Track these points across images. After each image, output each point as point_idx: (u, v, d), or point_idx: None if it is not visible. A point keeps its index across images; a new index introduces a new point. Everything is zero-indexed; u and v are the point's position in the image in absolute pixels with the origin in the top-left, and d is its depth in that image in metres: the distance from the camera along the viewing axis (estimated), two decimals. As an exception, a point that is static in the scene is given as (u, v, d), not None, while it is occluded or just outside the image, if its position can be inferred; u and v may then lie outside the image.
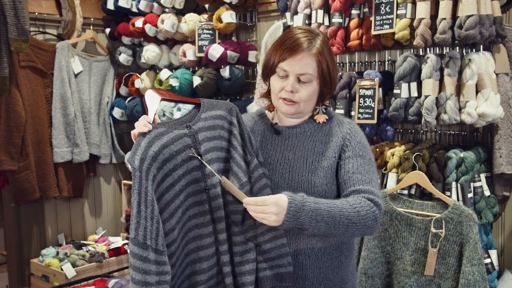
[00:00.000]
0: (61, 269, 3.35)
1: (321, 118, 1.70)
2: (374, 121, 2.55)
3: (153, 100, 1.53)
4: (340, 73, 2.71)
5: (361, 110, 2.57)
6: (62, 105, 3.65)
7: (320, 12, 2.70)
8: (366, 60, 2.88)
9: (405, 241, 2.32)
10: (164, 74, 3.60)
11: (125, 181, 4.09)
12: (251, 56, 3.28)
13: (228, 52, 3.21)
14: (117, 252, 3.67)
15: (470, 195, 2.33)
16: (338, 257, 1.67)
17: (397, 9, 2.43)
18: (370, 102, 2.55)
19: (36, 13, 3.65)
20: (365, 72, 2.63)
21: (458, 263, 2.21)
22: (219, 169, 1.56)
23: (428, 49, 2.57)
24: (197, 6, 3.59)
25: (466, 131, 2.61)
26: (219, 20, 3.23)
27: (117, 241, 3.79)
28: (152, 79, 3.79)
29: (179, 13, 3.53)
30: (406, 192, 2.44)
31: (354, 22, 2.65)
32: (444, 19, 2.28)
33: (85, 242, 3.80)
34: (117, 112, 3.92)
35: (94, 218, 4.10)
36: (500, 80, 2.41)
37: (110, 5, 3.86)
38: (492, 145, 2.46)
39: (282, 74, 1.60)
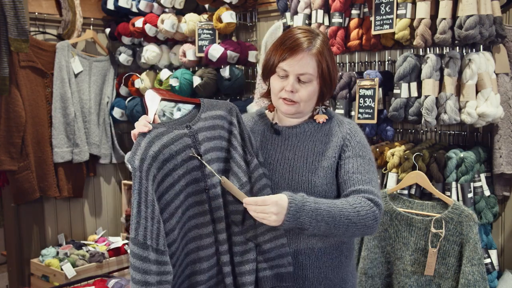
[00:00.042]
0: (61, 269, 3.35)
1: (321, 118, 1.70)
2: (374, 121, 2.55)
3: (153, 100, 1.53)
4: (340, 73, 2.71)
5: (361, 110, 2.57)
6: (62, 105, 3.65)
7: (320, 12, 2.70)
8: (366, 60, 2.88)
9: (405, 241, 2.32)
10: (164, 74, 3.60)
11: (125, 181, 4.09)
12: (251, 56, 3.28)
13: (228, 52, 3.21)
14: (117, 252, 3.67)
15: (470, 195, 2.33)
16: (338, 257, 1.67)
17: (397, 9, 2.43)
18: (370, 102, 2.55)
19: (36, 13, 3.65)
20: (365, 72, 2.63)
21: (458, 263, 2.21)
22: (219, 169, 1.56)
23: (428, 49, 2.57)
24: (197, 6, 3.59)
25: (466, 131, 2.61)
26: (219, 20, 3.23)
27: (117, 241, 3.79)
28: (152, 79, 3.79)
29: (179, 13, 3.53)
30: (406, 192, 2.44)
31: (354, 22, 2.65)
32: (444, 19, 2.28)
33: (85, 242, 3.80)
34: (117, 112, 3.92)
35: (94, 218, 4.10)
36: (500, 80, 2.41)
37: (110, 5, 3.86)
38: (492, 145, 2.46)
39: (282, 74, 1.60)
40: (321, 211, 1.45)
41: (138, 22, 3.65)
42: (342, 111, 2.65)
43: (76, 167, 3.80)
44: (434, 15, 2.34)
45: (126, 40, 3.89)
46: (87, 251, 3.57)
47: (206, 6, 3.52)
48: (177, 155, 1.46)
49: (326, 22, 2.71)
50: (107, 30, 4.01)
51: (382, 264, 2.39)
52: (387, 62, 2.81)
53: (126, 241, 3.78)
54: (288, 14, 2.91)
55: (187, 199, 1.49)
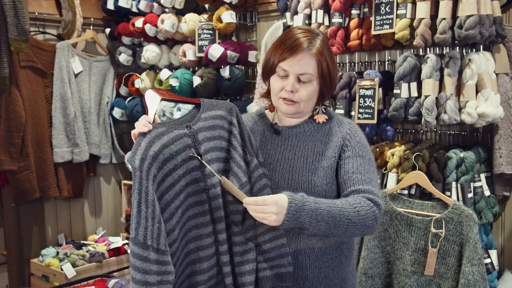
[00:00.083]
0: (61, 269, 3.35)
1: (321, 118, 1.70)
2: (374, 121, 2.55)
3: (153, 100, 1.53)
4: (340, 73, 2.71)
5: (361, 110, 2.57)
6: (62, 105, 3.65)
7: (320, 12, 2.70)
8: (366, 60, 2.88)
9: (405, 241, 2.32)
10: (164, 74, 3.60)
11: (125, 181, 4.09)
12: (251, 56, 3.28)
13: (228, 52, 3.21)
14: (117, 252, 3.67)
15: (470, 195, 2.33)
16: (338, 257, 1.67)
17: (397, 9, 2.43)
18: (370, 102, 2.55)
19: (36, 13, 3.65)
20: (365, 72, 2.63)
21: (458, 263, 2.21)
22: (219, 169, 1.56)
23: (428, 49, 2.57)
24: (197, 6, 3.59)
25: (466, 131, 2.61)
26: (219, 20, 3.23)
27: (117, 241, 3.79)
28: (152, 79, 3.79)
29: (179, 13, 3.53)
30: (406, 192, 2.44)
31: (354, 22, 2.65)
32: (444, 19, 2.28)
33: (85, 242, 3.80)
34: (117, 112, 3.92)
35: (94, 218, 4.10)
36: (500, 80, 2.41)
37: (110, 5, 3.86)
38: (492, 145, 2.46)
39: (282, 74, 1.60)
40: (321, 211, 1.45)
41: (138, 22, 3.65)
42: (342, 111, 2.65)
43: (76, 167, 3.80)
44: (434, 15, 2.34)
45: (126, 40, 3.89)
46: (87, 251, 3.57)
47: (206, 6, 3.52)
48: (177, 155, 1.46)
49: (326, 22, 2.71)
50: (107, 30, 4.01)
51: (382, 264, 2.39)
52: (387, 62, 2.81)
53: (126, 241, 3.78)
54: (288, 14, 2.91)
55: (187, 199, 1.49)
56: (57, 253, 3.55)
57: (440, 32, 2.29)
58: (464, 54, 2.41)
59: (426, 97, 2.35)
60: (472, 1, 2.20)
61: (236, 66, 3.36)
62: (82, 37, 3.85)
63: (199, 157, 1.50)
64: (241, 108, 3.07)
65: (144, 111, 1.53)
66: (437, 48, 2.58)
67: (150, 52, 3.69)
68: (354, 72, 2.74)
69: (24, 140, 3.46)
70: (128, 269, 3.58)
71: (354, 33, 2.65)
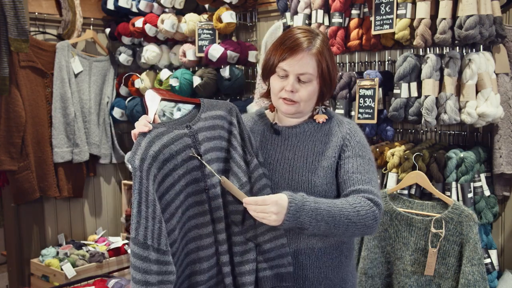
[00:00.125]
0: (61, 269, 3.35)
1: (320, 118, 1.70)
2: (374, 121, 2.55)
3: (153, 100, 1.53)
4: (340, 73, 2.71)
5: (361, 110, 2.57)
6: (62, 105, 3.65)
7: (320, 12, 2.70)
8: (366, 60, 2.88)
9: (405, 241, 2.32)
10: (164, 74, 3.60)
11: (125, 181, 4.09)
12: (251, 56, 3.28)
13: (228, 52, 3.21)
14: (117, 252, 3.67)
15: (470, 195, 2.33)
16: (338, 257, 1.67)
17: (397, 9, 2.43)
18: (370, 102, 2.55)
19: (36, 13, 3.65)
20: (365, 72, 2.63)
21: (458, 263, 2.21)
22: (219, 169, 1.56)
23: (428, 49, 2.57)
24: (197, 6, 3.59)
25: (466, 131, 2.61)
26: (219, 20, 3.23)
27: (117, 241, 3.79)
28: (152, 79, 3.79)
29: (179, 13, 3.53)
30: (406, 192, 2.44)
31: (354, 22, 2.65)
32: (444, 19, 2.28)
33: (85, 242, 3.80)
34: (117, 112, 3.92)
35: (94, 218, 4.10)
36: (500, 80, 2.41)
37: (110, 5, 3.86)
38: (492, 145, 2.46)
39: (282, 74, 1.60)
40: (321, 211, 1.45)
41: (138, 22, 3.65)
42: (342, 111, 2.65)
43: (76, 167, 3.81)
44: (434, 15, 2.34)
45: (126, 40, 3.89)
46: (87, 251, 3.57)
47: (206, 6, 3.52)
48: (177, 155, 1.46)
49: (326, 22, 2.71)
50: (107, 30, 4.01)
51: (382, 264, 2.39)
52: (387, 62, 2.81)
53: (126, 241, 3.78)
54: (288, 14, 2.91)
55: (187, 199, 1.49)
56: (57, 253, 3.55)
57: (440, 32, 2.29)
58: (464, 54, 2.41)
59: (426, 97, 2.35)
60: (472, 1, 2.20)
61: (236, 66, 3.36)
62: (82, 37, 3.85)
63: (199, 157, 1.50)
64: (241, 108, 3.07)
65: (144, 111, 1.53)
66: (437, 48, 2.58)
67: (150, 52, 3.69)
68: (354, 72, 2.74)
69: (24, 140, 3.46)
70: (128, 269, 3.58)
71: (354, 33, 2.65)
